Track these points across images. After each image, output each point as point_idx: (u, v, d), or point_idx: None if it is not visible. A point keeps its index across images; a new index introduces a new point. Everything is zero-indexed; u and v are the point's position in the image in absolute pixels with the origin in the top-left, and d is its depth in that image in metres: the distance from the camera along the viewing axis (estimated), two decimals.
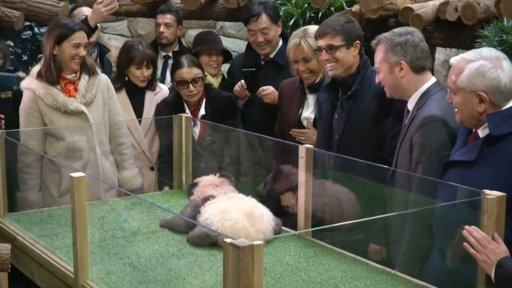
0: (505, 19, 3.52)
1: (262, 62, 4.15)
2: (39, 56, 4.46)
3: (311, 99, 3.66)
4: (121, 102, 3.89)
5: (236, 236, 2.27)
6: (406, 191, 2.76)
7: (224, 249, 1.85)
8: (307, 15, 4.22)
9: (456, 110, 2.58)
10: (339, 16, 3.41)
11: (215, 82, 4.27)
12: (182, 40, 4.96)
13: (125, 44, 4.11)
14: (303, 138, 3.62)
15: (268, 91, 3.96)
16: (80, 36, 3.59)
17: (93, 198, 3.48)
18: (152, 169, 4.02)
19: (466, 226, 2.33)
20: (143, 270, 2.68)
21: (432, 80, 2.91)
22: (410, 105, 2.90)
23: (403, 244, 2.77)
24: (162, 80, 4.43)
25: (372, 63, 3.09)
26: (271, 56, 4.12)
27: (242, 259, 1.80)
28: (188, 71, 3.82)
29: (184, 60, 3.88)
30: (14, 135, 3.47)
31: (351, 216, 2.88)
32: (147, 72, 3.94)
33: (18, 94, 3.78)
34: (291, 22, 4.23)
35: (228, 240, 1.84)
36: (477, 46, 3.35)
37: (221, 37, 4.79)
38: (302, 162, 2.99)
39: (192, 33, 5.96)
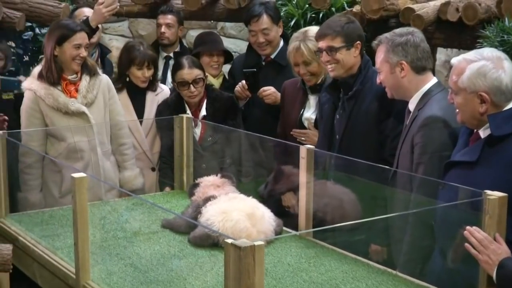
0: (506, 19, 3.52)
1: (263, 63, 4.15)
2: (40, 56, 4.46)
3: (312, 100, 3.66)
4: (122, 102, 3.90)
5: (237, 237, 2.27)
6: (407, 191, 2.76)
7: (225, 249, 1.85)
8: (308, 16, 4.22)
9: (457, 110, 2.57)
10: (340, 17, 3.40)
11: (216, 82, 4.27)
12: (183, 40, 4.96)
13: (126, 45, 4.11)
14: (304, 138, 3.62)
15: (269, 91, 3.96)
16: (81, 37, 3.59)
17: (94, 199, 3.48)
18: (153, 169, 4.02)
19: (468, 227, 2.33)
20: (144, 270, 2.68)
21: (433, 80, 2.91)
22: (411, 106, 2.90)
23: (404, 244, 2.76)
24: (163, 81, 4.43)
25: (374, 64, 3.09)
26: (272, 56, 4.12)
27: (243, 260, 1.80)
28: (189, 72, 3.82)
29: (185, 61, 3.88)
30: (15, 135, 3.48)
31: (352, 217, 2.88)
32: (148, 73, 3.94)
33: (20, 95, 3.79)
34: (292, 23, 4.23)
35: (229, 241, 1.84)
36: (478, 47, 3.34)
37: (222, 37, 4.79)
38: (303, 162, 2.99)
39: (193, 34, 5.96)
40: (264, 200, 3.23)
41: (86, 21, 3.99)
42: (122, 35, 7.32)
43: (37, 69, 3.68)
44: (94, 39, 4.22)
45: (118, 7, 4.13)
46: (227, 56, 4.43)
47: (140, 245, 2.95)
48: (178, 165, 3.80)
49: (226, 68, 4.52)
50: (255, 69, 4.02)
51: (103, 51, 4.54)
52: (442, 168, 2.62)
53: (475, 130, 2.58)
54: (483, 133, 2.53)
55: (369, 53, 3.30)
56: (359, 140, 3.20)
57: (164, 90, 4.10)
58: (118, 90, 3.90)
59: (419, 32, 2.96)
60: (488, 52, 2.54)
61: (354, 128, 3.22)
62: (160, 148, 4.01)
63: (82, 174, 2.54)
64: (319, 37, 3.26)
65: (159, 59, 4.42)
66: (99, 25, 4.18)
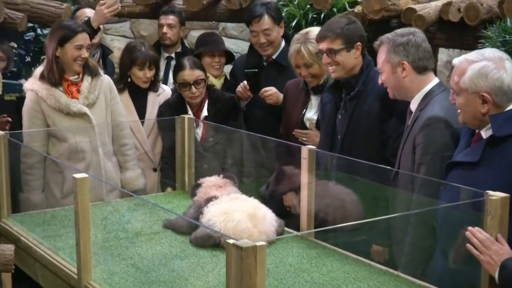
0: (508, 19, 3.51)
1: (265, 63, 4.16)
2: (42, 57, 4.47)
3: (314, 100, 3.66)
4: (123, 103, 3.90)
5: (239, 237, 2.27)
6: (409, 192, 2.76)
7: (227, 250, 1.85)
8: (310, 16, 4.22)
9: (459, 111, 2.57)
10: (341, 18, 3.40)
11: (217, 83, 4.27)
12: (184, 41, 4.97)
13: (128, 45, 4.11)
14: (305, 139, 3.62)
15: (271, 92, 3.96)
16: (82, 38, 3.59)
17: (96, 199, 3.47)
18: (154, 170, 4.02)
19: (469, 227, 2.32)
20: (146, 271, 2.68)
21: (435, 80, 2.91)
22: (413, 106, 2.90)
23: (406, 245, 2.76)
24: (165, 81, 4.44)
25: (375, 64, 3.09)
26: (274, 57, 4.12)
27: (244, 260, 1.79)
28: (190, 73, 3.82)
29: (186, 62, 3.88)
30: (17, 136, 3.48)
31: (354, 217, 2.88)
32: (149, 73, 3.95)
33: (22, 97, 3.79)
34: (294, 23, 4.24)
35: (230, 241, 1.83)
36: (480, 47, 3.34)
37: (223, 38, 4.79)
38: (304, 163, 2.99)
39: (195, 34, 5.96)
40: (266, 200, 3.23)
41: (87, 22, 4.00)
42: (124, 36, 7.32)
43: (38, 70, 3.68)
44: (96, 40, 4.22)
45: (119, 7, 4.13)
46: (229, 56, 4.43)
47: (142, 246, 2.95)
48: (180, 166, 3.80)
49: (228, 68, 4.52)
50: (256, 70, 4.02)
51: (105, 51, 4.54)
52: (443, 169, 2.62)
53: (476, 131, 2.58)
54: (485, 133, 2.53)
55: (370, 53, 3.30)
56: (361, 140, 3.20)
57: (166, 91, 4.11)
58: (120, 90, 3.91)
59: (421, 32, 2.96)
60: (490, 52, 2.54)
61: (356, 128, 3.22)
62: (162, 149, 4.01)
63: (84, 175, 2.54)
64: (319, 39, 3.26)
65: (161, 59, 4.43)
66: (101, 26, 4.18)
